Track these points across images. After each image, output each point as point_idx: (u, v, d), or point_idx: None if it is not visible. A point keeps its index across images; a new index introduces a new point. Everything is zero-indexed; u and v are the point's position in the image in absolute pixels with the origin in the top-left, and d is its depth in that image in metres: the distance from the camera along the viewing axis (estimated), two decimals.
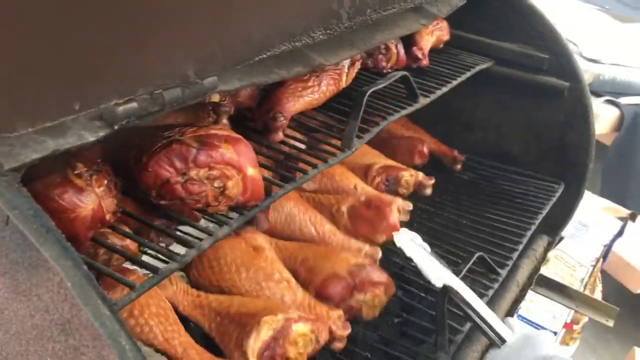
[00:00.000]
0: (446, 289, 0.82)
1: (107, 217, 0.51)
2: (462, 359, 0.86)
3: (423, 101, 0.98)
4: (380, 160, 1.20)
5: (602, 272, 2.08)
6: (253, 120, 0.78)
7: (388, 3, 0.81)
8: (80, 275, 0.41)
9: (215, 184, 0.55)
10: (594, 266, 1.97)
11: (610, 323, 1.25)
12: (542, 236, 1.26)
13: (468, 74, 1.13)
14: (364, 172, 1.15)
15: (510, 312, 1.11)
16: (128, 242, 0.63)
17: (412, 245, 0.88)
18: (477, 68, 1.17)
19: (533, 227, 1.13)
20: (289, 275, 0.85)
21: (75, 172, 0.51)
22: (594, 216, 1.96)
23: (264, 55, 0.59)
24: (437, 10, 0.97)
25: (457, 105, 1.38)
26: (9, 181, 0.42)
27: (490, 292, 0.94)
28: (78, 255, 0.42)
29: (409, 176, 1.14)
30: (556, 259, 2.08)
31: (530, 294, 2.17)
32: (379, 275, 0.86)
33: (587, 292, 2.04)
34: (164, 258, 0.55)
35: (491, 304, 1.15)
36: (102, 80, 0.48)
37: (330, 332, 0.79)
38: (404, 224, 1.02)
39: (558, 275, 2.07)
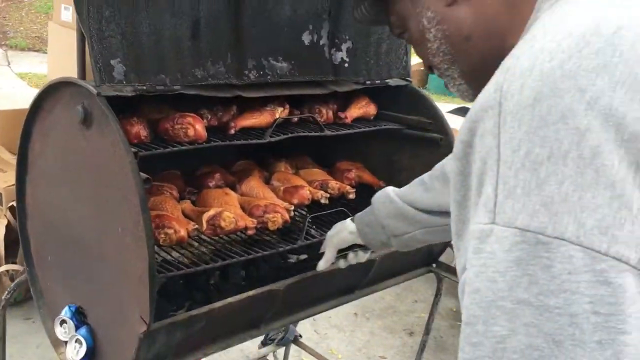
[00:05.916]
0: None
1: None
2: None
3: (328, 132, 1.85)
4: (326, 178, 2.05)
5: None
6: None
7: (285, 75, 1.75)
8: None
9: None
10: None
11: None
12: None
13: (373, 128, 1.98)
14: (310, 182, 2.01)
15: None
16: None
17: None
18: (382, 127, 2.01)
19: None
20: (237, 204, 1.73)
21: None
22: None
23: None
24: (338, 88, 1.88)
25: (395, 157, 2.20)
26: None
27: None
28: None
29: (334, 184, 1.97)
30: None
31: None
32: (280, 209, 1.70)
33: None
34: None
35: None
36: None
37: (246, 227, 1.64)
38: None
39: None
